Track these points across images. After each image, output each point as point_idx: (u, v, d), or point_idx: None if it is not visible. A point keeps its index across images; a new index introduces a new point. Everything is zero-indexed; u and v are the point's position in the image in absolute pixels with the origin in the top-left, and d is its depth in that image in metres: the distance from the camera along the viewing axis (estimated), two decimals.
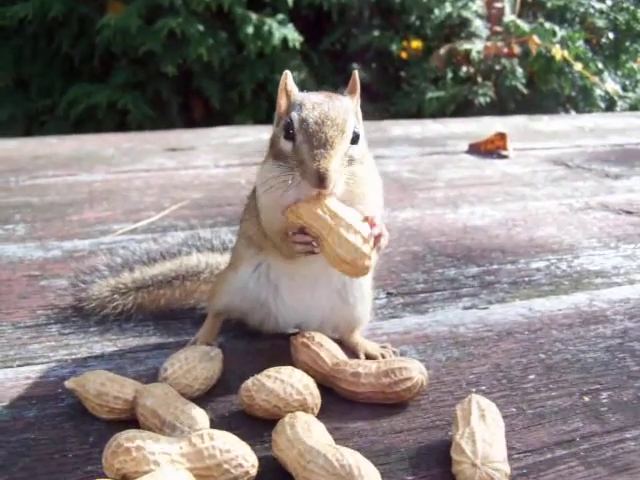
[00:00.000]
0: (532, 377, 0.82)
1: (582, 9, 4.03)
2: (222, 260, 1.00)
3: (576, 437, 0.70)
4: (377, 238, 0.72)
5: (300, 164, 0.69)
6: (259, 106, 3.97)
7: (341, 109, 0.72)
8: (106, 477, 0.59)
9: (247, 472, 0.60)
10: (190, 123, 3.80)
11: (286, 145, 0.72)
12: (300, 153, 0.70)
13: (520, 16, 4.02)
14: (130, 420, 0.70)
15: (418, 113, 3.81)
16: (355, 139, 0.73)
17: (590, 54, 3.88)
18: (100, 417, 0.71)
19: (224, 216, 1.45)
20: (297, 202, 0.71)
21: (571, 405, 0.76)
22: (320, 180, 0.67)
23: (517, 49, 3.84)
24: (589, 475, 0.64)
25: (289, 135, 0.72)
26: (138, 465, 0.59)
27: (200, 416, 0.68)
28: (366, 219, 0.72)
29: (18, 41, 4.03)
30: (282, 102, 0.77)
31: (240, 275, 0.85)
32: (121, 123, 3.79)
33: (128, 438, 0.60)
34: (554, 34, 3.71)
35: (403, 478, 0.64)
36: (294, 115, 0.72)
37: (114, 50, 3.77)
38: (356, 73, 0.79)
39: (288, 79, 0.77)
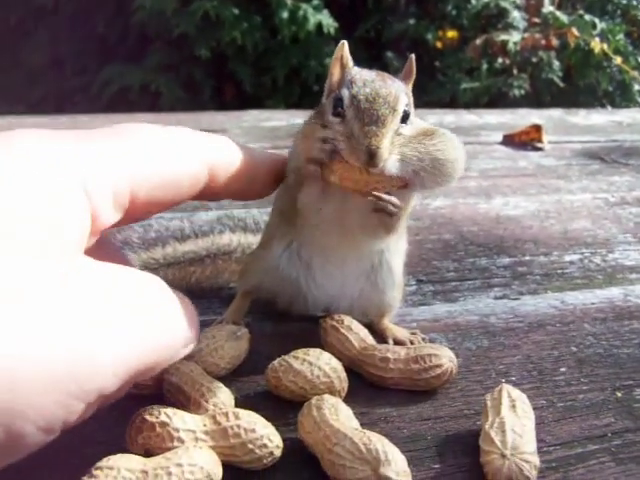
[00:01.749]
0: (563, 370, 0.80)
1: (624, 1, 3.96)
2: (254, 240, 0.99)
3: (608, 432, 0.69)
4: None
5: (349, 140, 0.68)
6: (292, 91, 3.96)
7: (392, 87, 0.71)
8: (129, 452, 0.58)
9: (271, 452, 0.59)
10: (222, 107, 3.81)
11: (334, 120, 0.71)
12: (350, 129, 0.69)
13: (559, 7, 3.97)
14: (155, 396, 0.69)
15: (451, 103, 3.78)
16: (405, 118, 0.71)
17: (630, 48, 3.81)
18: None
19: None
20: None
21: (603, 400, 0.74)
22: (370, 157, 0.66)
23: (555, 41, 3.78)
24: (621, 471, 0.63)
25: (337, 112, 0.71)
26: (162, 441, 0.59)
27: (225, 395, 0.67)
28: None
29: (54, 20, 4.06)
30: (335, 72, 0.75)
31: (271, 254, 0.84)
32: (153, 105, 3.81)
33: (152, 414, 0.60)
34: (594, 26, 3.65)
35: (430, 466, 0.63)
36: (344, 91, 0.70)
37: (148, 32, 3.79)
38: (413, 58, 0.77)
39: (345, 49, 0.75)
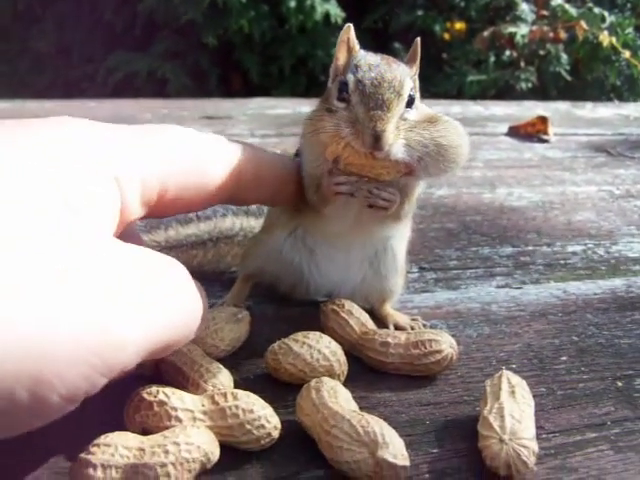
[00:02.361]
0: (564, 359, 0.80)
1: None
2: (257, 224, 0.99)
3: (607, 421, 0.68)
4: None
5: (354, 125, 0.68)
6: (298, 81, 3.95)
7: (397, 71, 0.70)
8: (127, 430, 0.58)
9: (269, 434, 0.59)
10: (228, 95, 3.80)
11: (339, 105, 0.71)
12: (355, 114, 0.68)
13: (568, 0, 3.94)
14: (154, 376, 0.69)
15: (458, 95, 3.76)
16: (410, 103, 0.71)
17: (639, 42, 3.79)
18: None
19: None
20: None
21: (603, 389, 0.74)
22: (375, 140, 0.66)
23: (563, 34, 3.76)
24: (619, 459, 0.63)
25: (342, 97, 0.70)
26: (160, 420, 0.59)
27: (225, 376, 0.67)
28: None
29: (61, 8, 4.04)
30: (341, 56, 0.74)
31: (275, 238, 0.84)
32: (159, 92, 3.80)
33: (150, 392, 0.60)
34: (603, 20, 3.63)
35: (428, 450, 0.63)
36: (350, 76, 0.70)
37: (156, 19, 3.77)
38: (418, 41, 0.76)
39: (351, 32, 0.74)
